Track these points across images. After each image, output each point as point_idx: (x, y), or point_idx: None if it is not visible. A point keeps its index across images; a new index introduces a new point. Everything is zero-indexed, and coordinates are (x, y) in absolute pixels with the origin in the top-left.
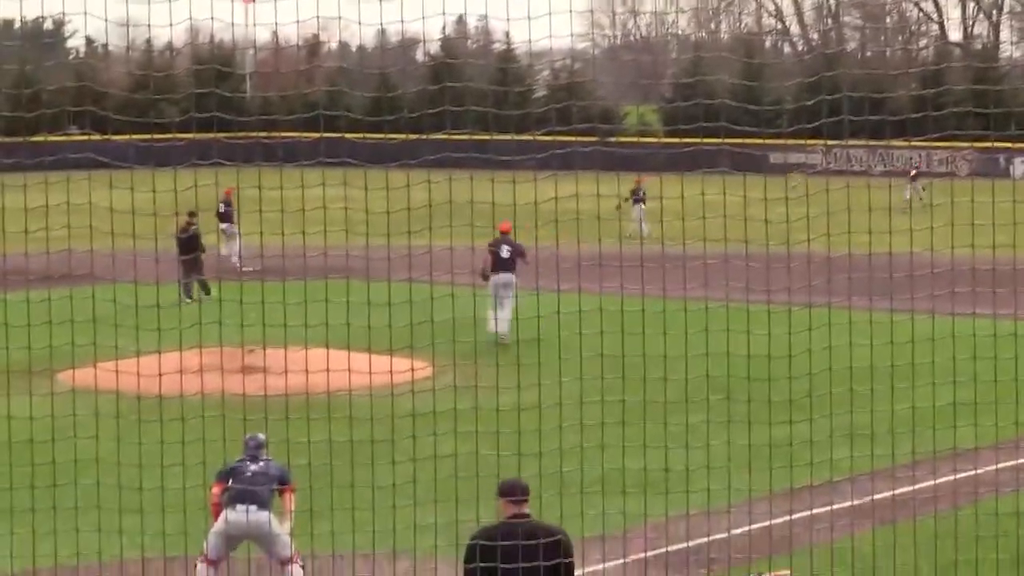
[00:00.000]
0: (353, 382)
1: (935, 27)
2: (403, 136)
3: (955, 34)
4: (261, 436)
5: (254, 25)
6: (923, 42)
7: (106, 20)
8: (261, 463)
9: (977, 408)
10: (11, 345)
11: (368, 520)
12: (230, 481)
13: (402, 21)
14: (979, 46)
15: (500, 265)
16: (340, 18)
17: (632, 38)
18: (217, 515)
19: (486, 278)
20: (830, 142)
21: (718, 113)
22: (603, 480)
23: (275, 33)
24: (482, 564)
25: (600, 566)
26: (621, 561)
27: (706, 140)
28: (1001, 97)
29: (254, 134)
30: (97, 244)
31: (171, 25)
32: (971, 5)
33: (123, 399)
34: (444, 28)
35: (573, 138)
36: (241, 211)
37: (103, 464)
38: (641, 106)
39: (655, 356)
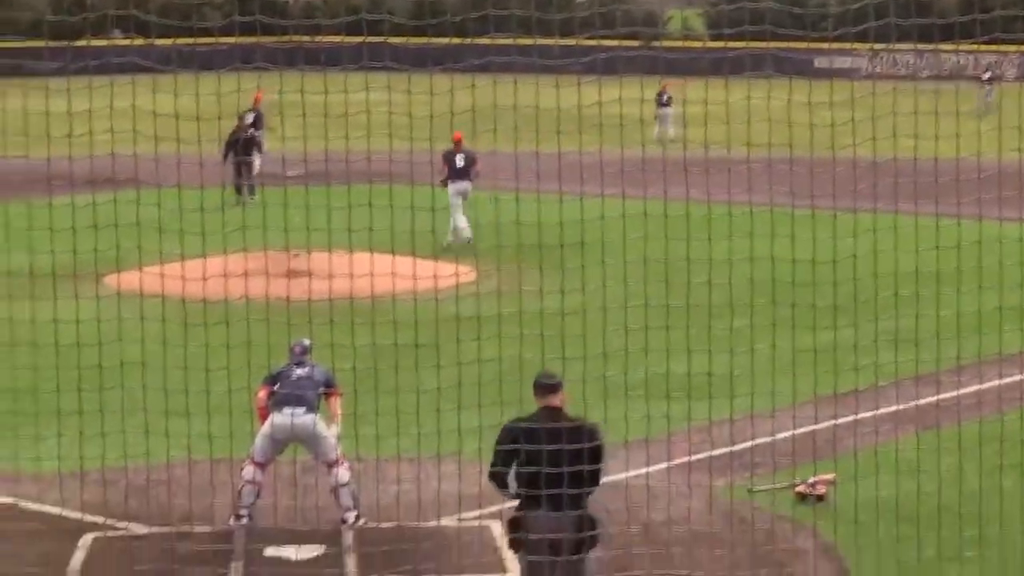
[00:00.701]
0: (397, 286)
1: None
2: (446, 40)
3: None
4: (306, 341)
5: None
6: None
7: None
8: (307, 368)
9: None
10: (57, 249)
11: (413, 424)
12: (276, 385)
13: None
14: None
15: (456, 174)
16: None
17: None
18: (264, 419)
19: (445, 185)
20: (876, 46)
21: (763, 16)
22: (647, 384)
23: None
24: (513, 446)
25: (644, 470)
26: (665, 465)
27: (751, 44)
28: None
29: (297, 38)
30: (141, 148)
31: None
32: None
33: (168, 303)
34: None
35: (617, 42)
36: (284, 116)
37: (149, 367)
38: (685, 10)
39: (699, 260)
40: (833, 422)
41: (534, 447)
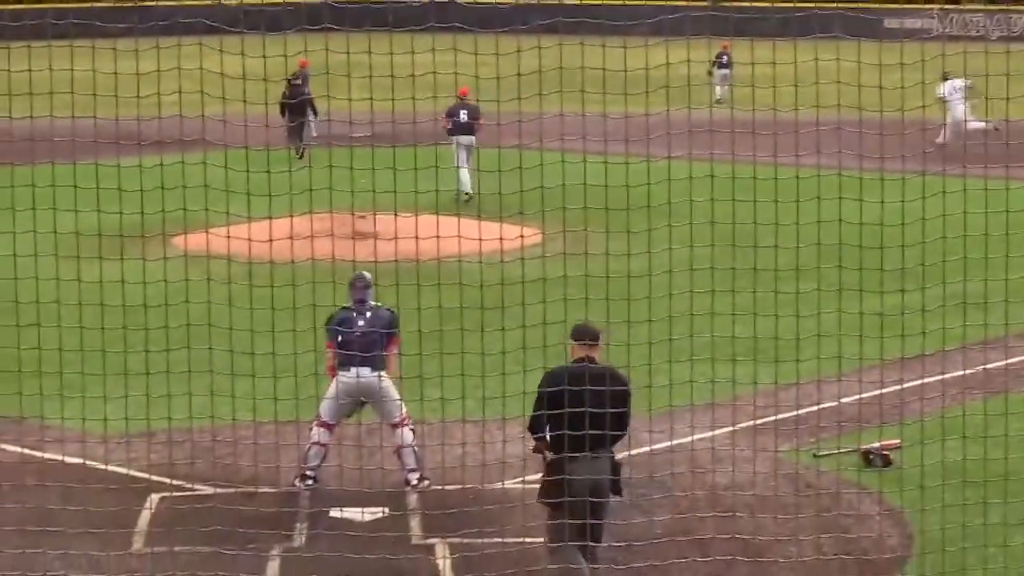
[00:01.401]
0: (463, 248)
1: None
2: (513, 1)
3: None
4: (367, 275)
5: None
6: None
7: None
8: (368, 314)
9: None
10: (125, 210)
11: (478, 387)
12: (339, 339)
13: None
14: None
15: (460, 128)
16: None
17: None
18: (333, 373)
19: (452, 134)
20: (947, 6)
21: None
22: (712, 347)
23: None
24: (554, 388)
25: (709, 433)
26: (730, 428)
27: (820, 4)
28: None
29: None
30: (208, 110)
31: None
32: None
33: (235, 264)
34: None
35: (684, 3)
36: (352, 76)
37: (215, 329)
38: None
39: (766, 223)
40: (900, 387)
41: (578, 388)
